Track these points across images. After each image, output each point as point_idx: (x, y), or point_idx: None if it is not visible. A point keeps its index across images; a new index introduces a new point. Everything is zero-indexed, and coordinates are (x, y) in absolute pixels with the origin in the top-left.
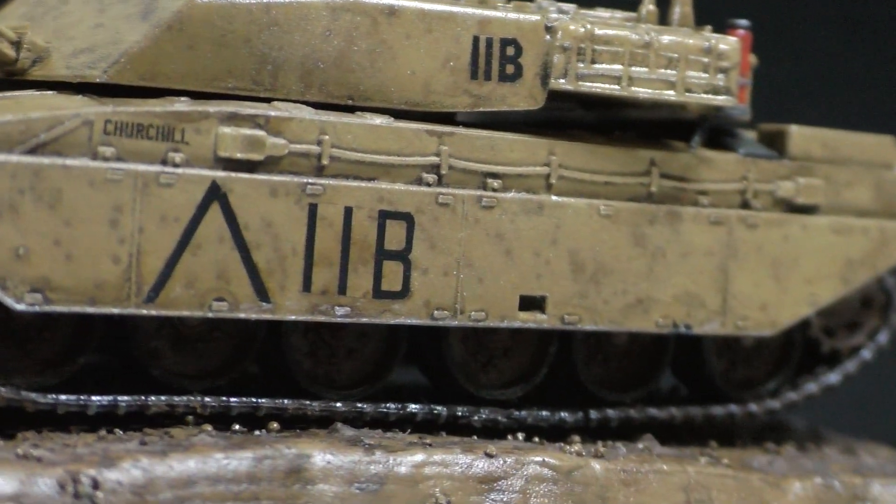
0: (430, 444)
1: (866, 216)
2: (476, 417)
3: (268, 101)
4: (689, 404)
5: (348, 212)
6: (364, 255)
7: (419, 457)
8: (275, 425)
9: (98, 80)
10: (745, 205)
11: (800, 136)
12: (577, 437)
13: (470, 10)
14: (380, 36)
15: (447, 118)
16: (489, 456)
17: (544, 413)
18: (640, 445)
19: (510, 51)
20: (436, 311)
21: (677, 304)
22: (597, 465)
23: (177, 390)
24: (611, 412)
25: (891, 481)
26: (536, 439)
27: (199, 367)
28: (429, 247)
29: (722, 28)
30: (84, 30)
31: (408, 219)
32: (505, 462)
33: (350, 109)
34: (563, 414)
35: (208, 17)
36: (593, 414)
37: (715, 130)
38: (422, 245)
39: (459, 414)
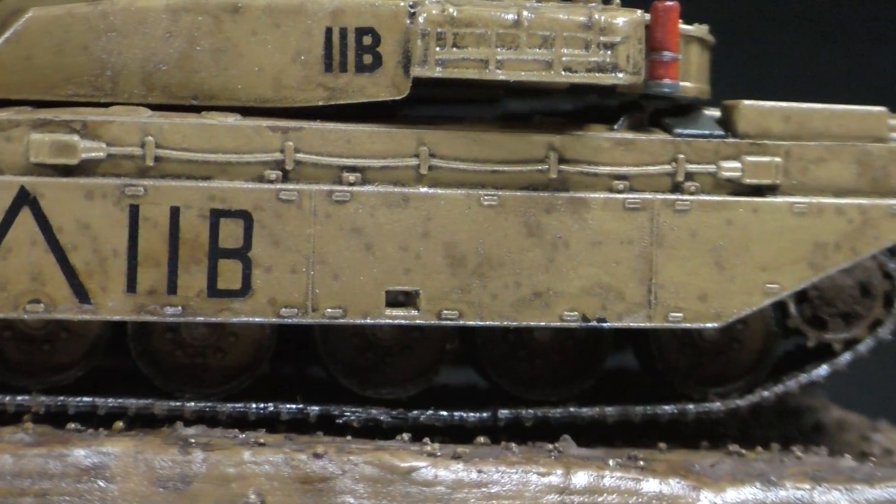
0: (262, 444)
1: (846, 195)
2: (353, 417)
3: (108, 106)
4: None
5: (175, 211)
6: (196, 255)
7: (241, 456)
8: (119, 424)
9: None
10: (676, 188)
11: (752, 111)
12: (482, 439)
13: (322, 1)
14: (224, 34)
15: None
16: (317, 456)
17: (442, 413)
18: (550, 446)
19: (367, 40)
20: (283, 310)
21: (587, 296)
22: (447, 467)
23: (15, 390)
24: (515, 411)
25: (850, 485)
26: (427, 440)
27: (45, 366)
28: (271, 244)
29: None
30: None
31: (245, 216)
32: (333, 462)
33: (196, 109)
34: (462, 414)
35: (46, 27)
36: (501, 413)
37: (680, 109)
38: (263, 242)
39: (336, 413)
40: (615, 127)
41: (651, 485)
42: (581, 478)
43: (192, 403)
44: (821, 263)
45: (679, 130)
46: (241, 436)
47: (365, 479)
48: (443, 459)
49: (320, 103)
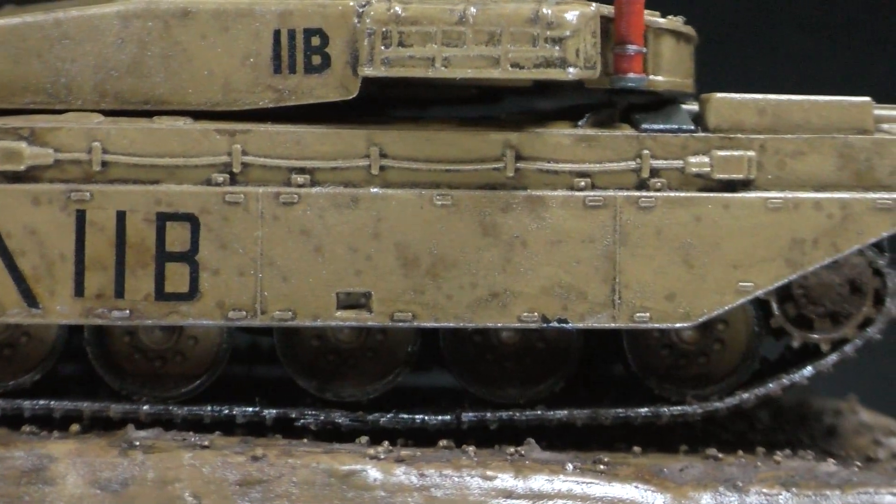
0: (205, 446)
1: (827, 189)
2: (311, 420)
3: (63, 112)
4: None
5: (121, 216)
6: (143, 259)
7: (181, 459)
8: (76, 427)
9: None
10: (642, 185)
11: (723, 104)
12: (444, 442)
13: (269, 4)
14: (173, 39)
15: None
16: (255, 459)
17: (403, 416)
18: (512, 450)
19: (315, 41)
20: (231, 312)
21: (547, 296)
22: (388, 470)
23: None
24: (479, 414)
25: (821, 491)
26: (386, 443)
27: (6, 370)
28: (219, 247)
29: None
30: None
31: (191, 219)
32: (272, 465)
33: (149, 115)
34: (424, 417)
35: (2, 37)
36: (465, 416)
37: (660, 104)
38: (210, 245)
39: (293, 416)
40: (579, 123)
41: (605, 489)
42: (530, 482)
43: (147, 406)
44: (798, 260)
45: (646, 126)
46: (188, 438)
47: (303, 482)
48: (385, 463)
49: (270, 105)
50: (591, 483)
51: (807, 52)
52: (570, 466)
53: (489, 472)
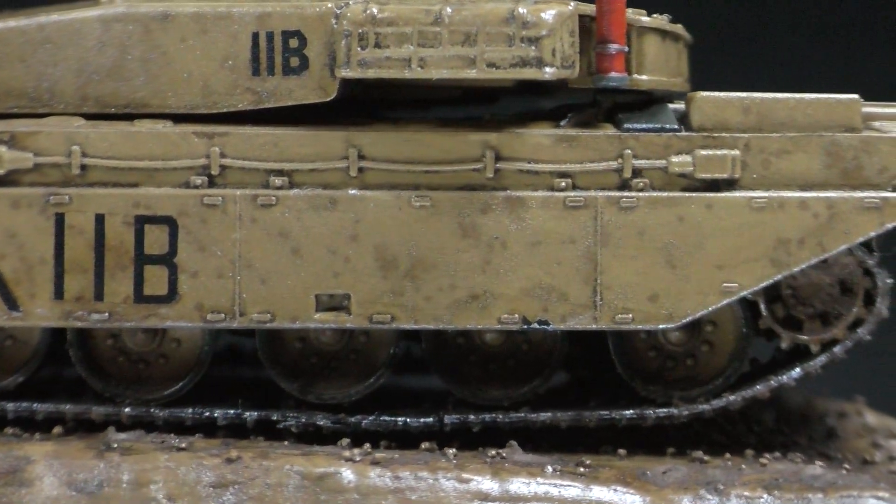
0: (182, 448)
1: (813, 188)
2: (292, 422)
3: (45, 116)
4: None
5: (100, 219)
6: (122, 261)
7: (157, 461)
8: (58, 429)
9: None
10: (624, 185)
11: (707, 103)
12: (426, 444)
13: (248, 7)
14: (153, 42)
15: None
16: (230, 461)
17: (385, 418)
18: (493, 452)
19: (293, 43)
20: (210, 314)
21: (527, 298)
22: (363, 472)
23: None
24: (462, 417)
25: (804, 494)
26: (368, 445)
27: None
28: (197, 249)
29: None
30: None
31: (170, 222)
32: (247, 467)
33: (130, 118)
34: (406, 419)
35: None
36: (447, 419)
37: (649, 103)
38: (189, 248)
39: (275, 418)
40: (562, 123)
41: (583, 492)
42: (507, 484)
43: (129, 409)
44: (784, 260)
45: (628, 125)
46: (167, 440)
47: (276, 484)
48: (359, 465)
49: (249, 107)
50: (568, 486)
51: (805, 52)
52: (549, 469)
53: (465, 475)
